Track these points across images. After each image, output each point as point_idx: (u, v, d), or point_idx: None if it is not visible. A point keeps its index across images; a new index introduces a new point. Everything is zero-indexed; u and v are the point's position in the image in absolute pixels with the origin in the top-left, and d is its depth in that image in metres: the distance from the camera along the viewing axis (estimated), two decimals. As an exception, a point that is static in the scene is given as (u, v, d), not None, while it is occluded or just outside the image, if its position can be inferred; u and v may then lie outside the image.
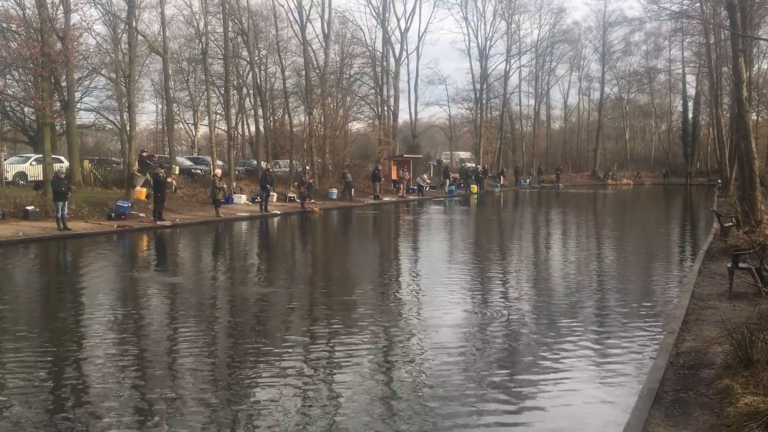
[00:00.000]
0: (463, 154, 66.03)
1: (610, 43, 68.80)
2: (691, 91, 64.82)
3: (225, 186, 27.84)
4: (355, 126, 53.58)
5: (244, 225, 26.40)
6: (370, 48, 50.52)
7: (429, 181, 45.45)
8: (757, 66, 46.14)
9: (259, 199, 32.18)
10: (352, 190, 38.17)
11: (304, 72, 41.73)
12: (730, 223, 18.05)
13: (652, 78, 68.77)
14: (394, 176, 43.90)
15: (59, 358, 8.15)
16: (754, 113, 43.72)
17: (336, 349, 8.52)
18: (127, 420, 6.22)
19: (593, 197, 46.37)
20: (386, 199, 39.11)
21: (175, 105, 46.44)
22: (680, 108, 68.65)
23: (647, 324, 9.61)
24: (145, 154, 31.28)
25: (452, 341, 8.74)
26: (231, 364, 7.97)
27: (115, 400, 6.70)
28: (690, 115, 65.13)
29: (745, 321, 8.24)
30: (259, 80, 41.39)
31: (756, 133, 31.83)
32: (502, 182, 54.53)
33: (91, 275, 14.72)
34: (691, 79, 64.40)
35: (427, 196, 43.44)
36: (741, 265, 10.91)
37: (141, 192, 27.94)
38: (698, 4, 31.20)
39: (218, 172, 29.21)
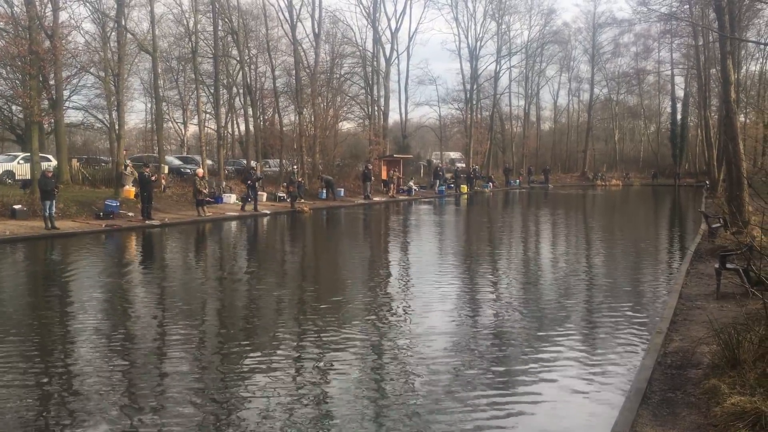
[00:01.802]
0: (454, 155, 66.14)
1: (600, 44, 69.13)
2: (680, 93, 65.25)
3: (205, 189, 27.58)
4: (346, 126, 53.65)
5: (233, 225, 26.30)
6: (361, 48, 50.53)
7: (415, 187, 45.44)
8: (745, 68, 46.61)
9: (250, 198, 32.17)
10: (337, 189, 38.10)
11: (294, 71, 41.65)
12: (718, 224, 18.16)
13: (641, 79, 69.12)
14: (384, 176, 43.90)
15: (44, 357, 8.10)
16: (742, 115, 44.12)
17: (325, 348, 8.52)
18: (115, 420, 6.20)
19: (582, 198, 46.52)
20: (376, 199, 39.08)
21: (164, 104, 46.24)
22: (669, 109, 69.04)
23: (635, 324, 9.64)
24: (124, 152, 31.00)
25: (442, 342, 8.75)
26: (215, 368, 7.94)
27: (100, 399, 6.67)
28: (679, 117, 65.46)
29: (732, 321, 8.29)
30: (249, 79, 41.28)
31: (744, 135, 32.08)
32: (492, 186, 54.51)
33: (77, 275, 14.61)
34: (679, 80, 64.86)
35: (417, 196, 43.48)
36: (728, 265, 10.97)
37: (130, 191, 27.81)
38: (687, 6, 31.43)
39: (199, 171, 29.07)
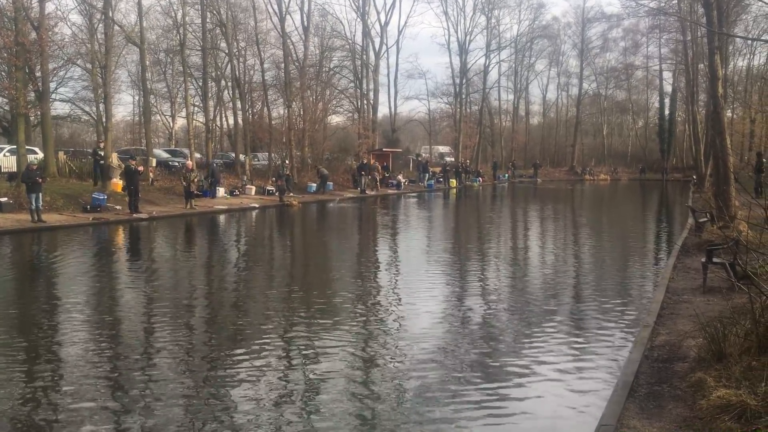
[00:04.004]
0: (443, 149, 66.16)
1: (589, 39, 69.39)
2: (668, 88, 65.55)
3: (195, 179, 27.45)
4: (335, 119, 53.55)
5: (222, 218, 26.21)
6: (350, 41, 50.43)
7: (404, 180, 45.46)
8: (732, 63, 46.89)
9: (237, 192, 32.19)
10: (329, 184, 38.10)
11: (283, 64, 41.51)
12: (705, 219, 18.24)
13: (629, 74, 69.40)
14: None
15: (29, 352, 8.05)
16: (729, 110, 44.31)
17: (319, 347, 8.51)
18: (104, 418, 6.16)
19: (571, 193, 46.69)
20: (367, 192, 39.04)
21: (152, 96, 45.92)
22: (657, 104, 69.37)
23: (622, 318, 9.69)
24: (101, 144, 30.29)
25: (431, 340, 8.76)
26: (203, 372, 7.91)
27: (88, 399, 6.63)
28: (666, 112, 65.75)
29: (718, 315, 8.33)
30: (237, 72, 41.05)
31: (731, 130, 32.25)
32: (481, 180, 54.61)
33: (62, 269, 14.52)
34: (667, 75, 65.15)
35: (406, 190, 43.48)
36: (715, 260, 11.03)
37: (117, 184, 27.61)
38: (675, 2, 31.53)
39: (189, 163, 29.00)
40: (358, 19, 51.21)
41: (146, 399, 6.53)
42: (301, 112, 41.94)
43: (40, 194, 21.00)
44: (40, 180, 21.14)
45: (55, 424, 5.99)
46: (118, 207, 24.79)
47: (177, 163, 37.01)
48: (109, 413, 6.19)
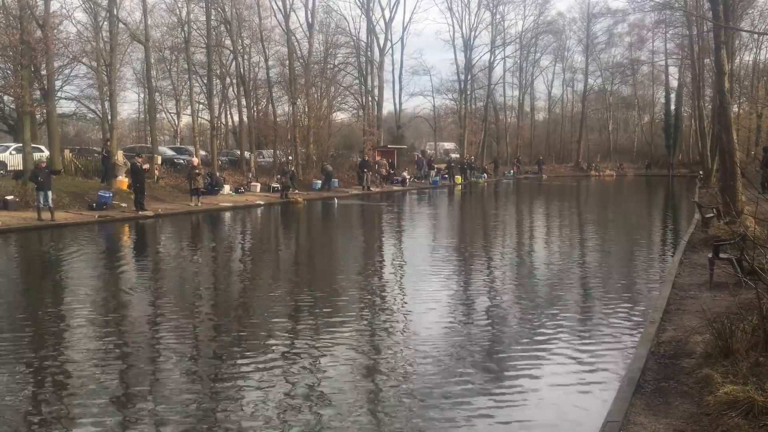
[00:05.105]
0: (448, 145, 66.09)
1: (594, 34, 69.03)
2: (674, 83, 65.16)
3: (198, 176, 27.45)
4: (339, 116, 53.53)
5: (227, 215, 26.24)
6: (355, 38, 50.46)
7: (408, 177, 45.48)
8: (738, 58, 46.53)
9: (242, 189, 32.22)
10: (334, 181, 38.11)
11: (287, 62, 41.50)
12: (711, 214, 18.17)
13: (635, 70, 69.07)
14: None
15: (36, 351, 8.07)
16: (736, 105, 44.06)
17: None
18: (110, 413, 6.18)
19: (576, 188, 46.58)
20: (371, 189, 39.03)
21: (157, 94, 45.88)
22: (663, 100, 68.98)
23: (628, 314, 9.66)
24: (108, 143, 30.31)
25: (437, 334, 8.76)
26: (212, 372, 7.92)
27: (92, 391, 6.65)
28: (672, 107, 65.44)
29: (725, 311, 8.31)
30: (242, 70, 41.08)
31: (737, 125, 32.08)
32: (486, 177, 54.59)
33: (68, 267, 14.56)
34: (673, 70, 64.74)
35: (411, 186, 43.44)
36: (722, 255, 10.98)
37: (123, 182, 27.68)
38: (681, -4, 31.37)
39: (194, 160, 29.05)
40: (363, 16, 51.22)
41: (148, 397, 6.55)
42: (306, 109, 41.91)
43: (49, 192, 20.94)
44: (42, 179, 20.97)
45: (59, 419, 6.02)
46: (123, 205, 24.84)
47: (182, 161, 37.06)
48: (113, 407, 6.22)
